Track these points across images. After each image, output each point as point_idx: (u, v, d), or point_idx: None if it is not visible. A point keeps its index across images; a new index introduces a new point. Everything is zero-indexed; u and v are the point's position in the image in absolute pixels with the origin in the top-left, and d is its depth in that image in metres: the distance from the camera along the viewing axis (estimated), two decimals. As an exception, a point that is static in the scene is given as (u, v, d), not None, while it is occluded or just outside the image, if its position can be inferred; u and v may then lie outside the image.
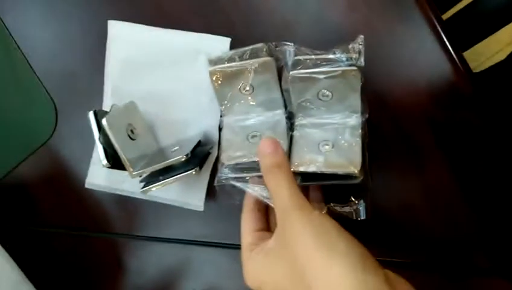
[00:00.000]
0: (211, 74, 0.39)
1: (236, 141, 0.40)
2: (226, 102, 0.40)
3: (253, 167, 0.37)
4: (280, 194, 0.31)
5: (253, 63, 0.37)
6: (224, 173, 0.38)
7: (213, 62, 0.40)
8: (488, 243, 0.42)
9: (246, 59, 0.38)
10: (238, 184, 0.36)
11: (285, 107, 0.40)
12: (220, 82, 0.39)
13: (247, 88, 0.39)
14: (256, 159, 0.36)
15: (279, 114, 0.40)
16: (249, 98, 0.39)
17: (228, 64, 0.38)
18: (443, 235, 0.42)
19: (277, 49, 0.37)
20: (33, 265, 0.48)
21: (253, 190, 0.35)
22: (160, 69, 0.45)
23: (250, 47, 0.37)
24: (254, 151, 0.37)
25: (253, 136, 0.39)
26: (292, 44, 0.38)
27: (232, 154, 0.39)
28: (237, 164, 0.38)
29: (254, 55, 0.37)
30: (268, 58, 0.37)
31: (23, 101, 0.49)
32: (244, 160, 0.38)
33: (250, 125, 0.40)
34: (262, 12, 0.43)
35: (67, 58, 0.48)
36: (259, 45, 0.37)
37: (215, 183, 0.39)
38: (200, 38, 0.44)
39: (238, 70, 0.38)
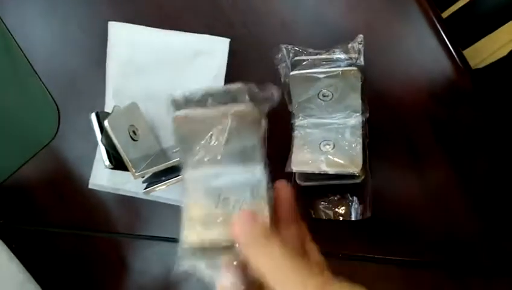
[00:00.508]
0: (175, 120, 0.30)
1: (204, 208, 0.29)
2: (191, 153, 0.30)
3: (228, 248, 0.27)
4: (278, 271, 0.24)
5: (229, 109, 0.28)
6: (187, 260, 0.27)
7: (178, 104, 0.30)
8: (488, 240, 0.42)
9: (220, 103, 0.29)
10: (208, 273, 0.27)
11: (265, 161, 0.30)
12: (185, 130, 0.30)
13: (220, 138, 0.29)
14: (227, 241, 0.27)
15: (259, 171, 0.29)
16: (221, 149, 0.30)
17: (197, 111, 0.29)
18: (443, 233, 0.43)
19: (262, 94, 0.29)
20: (37, 265, 0.49)
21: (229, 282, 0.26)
22: (160, 69, 0.45)
23: (226, 87, 0.28)
24: (225, 228, 0.27)
25: (224, 201, 0.29)
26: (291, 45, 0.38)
27: (200, 230, 0.28)
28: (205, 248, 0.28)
29: (232, 98, 0.29)
30: (248, 105, 0.28)
31: (25, 103, 0.49)
32: (215, 238, 0.27)
33: (220, 186, 0.29)
34: (262, 13, 0.44)
35: (69, 60, 0.48)
36: (239, 85, 0.28)
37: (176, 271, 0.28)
38: (200, 39, 0.44)
39: (210, 118, 0.29)
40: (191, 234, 0.28)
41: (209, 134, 0.29)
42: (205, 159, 0.30)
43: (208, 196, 0.29)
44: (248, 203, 0.28)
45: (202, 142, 0.29)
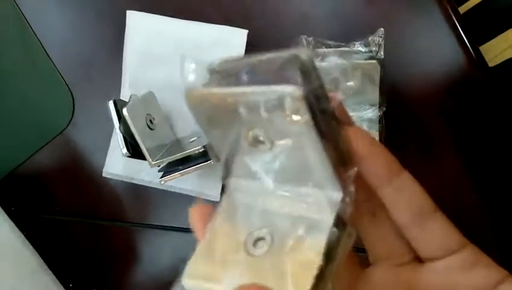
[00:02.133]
0: (188, 97, 0.19)
1: (226, 246, 0.19)
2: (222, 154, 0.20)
3: None
4: None
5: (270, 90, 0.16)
6: None
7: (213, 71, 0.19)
8: (501, 235, 0.42)
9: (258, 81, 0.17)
10: None
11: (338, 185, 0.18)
12: (205, 116, 0.20)
13: (261, 138, 0.18)
14: None
15: (324, 202, 0.18)
16: (264, 157, 0.18)
17: (221, 89, 0.18)
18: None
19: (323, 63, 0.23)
20: (49, 252, 0.49)
21: None
22: (177, 60, 0.44)
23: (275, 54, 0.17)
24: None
25: (257, 242, 0.18)
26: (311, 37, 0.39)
27: (206, 272, 0.18)
28: None
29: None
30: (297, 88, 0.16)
31: (41, 90, 0.49)
32: None
33: (261, 212, 0.19)
34: (281, 5, 0.44)
35: (85, 48, 0.48)
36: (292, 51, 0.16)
37: None
38: (217, 30, 0.44)
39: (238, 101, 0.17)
40: (193, 272, 0.19)
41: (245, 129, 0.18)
42: (238, 166, 0.19)
43: (239, 227, 0.19)
44: (294, 248, 0.17)
45: (233, 138, 0.19)
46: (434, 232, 0.20)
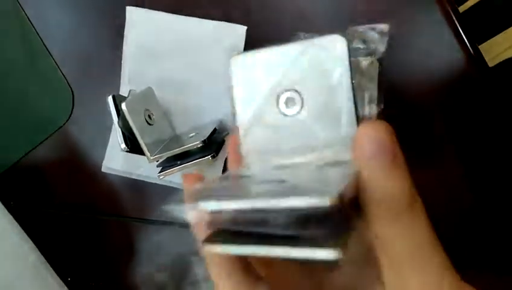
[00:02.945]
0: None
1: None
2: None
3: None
4: (419, 248, 0.18)
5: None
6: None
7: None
8: (498, 235, 0.42)
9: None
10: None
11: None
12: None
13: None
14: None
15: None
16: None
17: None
18: (453, 228, 0.43)
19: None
20: (48, 247, 0.49)
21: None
22: (177, 56, 0.45)
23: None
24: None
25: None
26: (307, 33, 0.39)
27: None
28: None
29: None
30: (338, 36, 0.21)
31: (40, 85, 0.49)
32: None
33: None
34: (280, 1, 0.44)
35: (85, 43, 0.48)
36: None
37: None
38: (216, 26, 0.44)
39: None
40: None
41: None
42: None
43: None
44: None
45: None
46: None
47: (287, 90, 0.21)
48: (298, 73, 0.20)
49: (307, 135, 0.20)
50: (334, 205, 0.15)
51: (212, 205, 0.17)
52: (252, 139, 0.22)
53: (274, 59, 0.21)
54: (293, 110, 0.21)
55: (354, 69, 0.25)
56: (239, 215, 0.17)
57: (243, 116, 0.22)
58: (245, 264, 0.20)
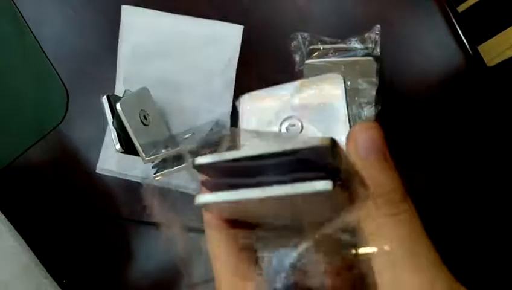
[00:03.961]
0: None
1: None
2: None
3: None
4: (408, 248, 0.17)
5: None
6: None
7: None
8: (498, 236, 0.42)
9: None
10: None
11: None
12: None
13: None
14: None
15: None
16: None
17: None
18: (451, 229, 0.43)
19: None
20: (43, 248, 0.49)
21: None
22: (173, 55, 0.44)
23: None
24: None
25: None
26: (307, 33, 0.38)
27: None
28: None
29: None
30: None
31: (35, 85, 0.49)
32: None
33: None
34: (277, 0, 0.43)
35: (80, 43, 0.47)
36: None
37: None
38: (213, 25, 0.44)
39: None
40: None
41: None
42: None
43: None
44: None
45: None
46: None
47: (288, 118, 0.23)
48: (299, 103, 0.23)
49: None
50: (330, 145, 0.15)
51: (207, 159, 0.17)
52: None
53: (278, 93, 0.24)
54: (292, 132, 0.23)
55: (351, 97, 0.27)
56: (234, 165, 0.17)
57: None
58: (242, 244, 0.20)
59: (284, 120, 0.23)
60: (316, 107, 0.23)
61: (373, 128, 0.18)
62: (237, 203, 0.17)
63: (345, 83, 0.23)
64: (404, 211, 0.18)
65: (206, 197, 0.17)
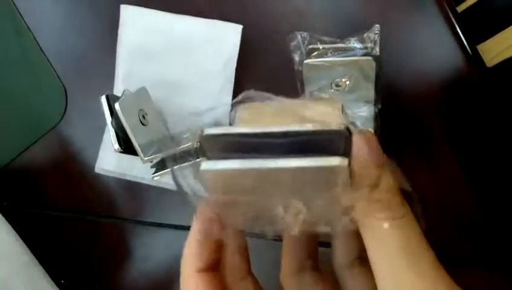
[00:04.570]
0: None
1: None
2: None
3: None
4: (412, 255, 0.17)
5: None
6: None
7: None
8: (496, 236, 0.42)
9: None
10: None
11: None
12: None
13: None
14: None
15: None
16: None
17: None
18: (452, 229, 0.43)
19: None
20: (41, 248, 0.49)
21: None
22: (172, 55, 0.44)
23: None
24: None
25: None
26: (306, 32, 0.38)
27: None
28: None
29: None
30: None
31: (33, 85, 0.49)
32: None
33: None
34: (276, 0, 0.43)
35: (78, 42, 0.47)
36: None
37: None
38: (212, 24, 0.43)
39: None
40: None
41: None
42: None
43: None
44: None
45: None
46: (367, 276, 0.20)
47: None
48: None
49: None
50: (345, 130, 0.15)
51: (217, 130, 0.16)
52: None
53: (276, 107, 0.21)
54: None
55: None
56: (243, 141, 0.16)
57: None
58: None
59: None
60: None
61: (369, 136, 0.18)
62: (244, 175, 0.16)
63: (343, 111, 0.21)
64: (403, 215, 0.18)
65: (217, 165, 0.16)
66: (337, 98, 0.26)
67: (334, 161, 0.15)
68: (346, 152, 0.16)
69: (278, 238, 0.22)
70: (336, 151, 0.16)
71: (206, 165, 0.17)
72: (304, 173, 0.16)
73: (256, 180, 0.17)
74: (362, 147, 0.17)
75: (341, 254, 0.23)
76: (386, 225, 0.17)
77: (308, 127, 0.16)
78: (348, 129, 0.16)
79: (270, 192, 0.17)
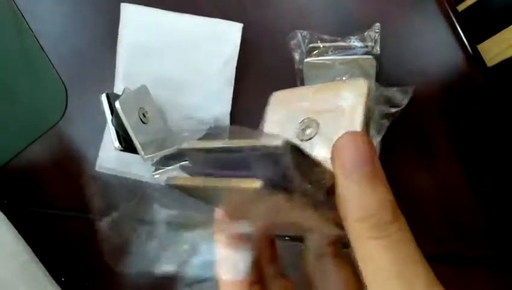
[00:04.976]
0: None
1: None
2: None
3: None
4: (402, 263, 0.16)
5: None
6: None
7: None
8: (495, 235, 0.42)
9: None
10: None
11: None
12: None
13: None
14: None
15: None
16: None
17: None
18: (453, 229, 0.43)
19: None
20: (41, 246, 0.49)
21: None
22: (172, 53, 0.44)
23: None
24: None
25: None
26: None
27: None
28: None
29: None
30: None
31: (33, 83, 0.49)
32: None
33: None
34: (277, -2, 0.43)
35: (79, 41, 0.47)
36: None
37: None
38: (212, 23, 0.43)
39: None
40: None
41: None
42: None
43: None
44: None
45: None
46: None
47: (307, 119, 0.24)
48: (320, 105, 0.24)
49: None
50: (282, 146, 0.15)
51: (186, 144, 0.17)
52: None
53: (304, 93, 0.26)
54: (308, 134, 0.24)
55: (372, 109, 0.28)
56: (207, 155, 0.17)
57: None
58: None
59: (303, 120, 0.25)
60: (335, 110, 0.24)
61: (359, 139, 0.16)
62: (195, 189, 0.17)
63: (368, 89, 0.24)
64: (393, 232, 0.16)
65: (173, 178, 0.18)
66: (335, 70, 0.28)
67: (254, 183, 0.15)
68: (287, 168, 0.16)
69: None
70: (276, 167, 0.15)
71: (171, 175, 0.19)
72: (229, 191, 0.16)
73: (210, 195, 0.18)
74: (342, 155, 0.16)
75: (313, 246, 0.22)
76: (374, 246, 0.16)
77: (249, 143, 0.15)
78: (289, 144, 0.15)
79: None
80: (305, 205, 0.16)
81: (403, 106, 0.35)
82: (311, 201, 0.17)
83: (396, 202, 0.17)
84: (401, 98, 0.35)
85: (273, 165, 0.15)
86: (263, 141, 0.15)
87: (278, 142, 0.15)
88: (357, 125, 0.23)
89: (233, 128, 0.25)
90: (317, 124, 0.24)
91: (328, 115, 0.24)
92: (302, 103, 0.26)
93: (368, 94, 0.24)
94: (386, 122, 0.35)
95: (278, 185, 0.15)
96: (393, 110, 0.34)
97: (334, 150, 0.17)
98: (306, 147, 0.23)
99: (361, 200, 0.16)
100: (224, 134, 0.28)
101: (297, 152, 0.15)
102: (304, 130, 0.25)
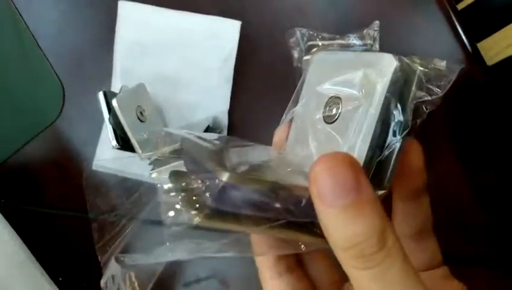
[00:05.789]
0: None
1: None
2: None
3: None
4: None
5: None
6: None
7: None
8: (494, 233, 0.42)
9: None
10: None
11: None
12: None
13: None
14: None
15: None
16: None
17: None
18: (450, 227, 0.42)
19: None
20: (39, 245, 0.48)
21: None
22: (170, 51, 0.44)
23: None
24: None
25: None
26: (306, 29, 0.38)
27: None
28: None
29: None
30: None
31: (30, 81, 0.49)
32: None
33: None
34: (276, -4, 0.43)
35: (76, 38, 0.47)
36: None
37: None
38: (210, 21, 0.43)
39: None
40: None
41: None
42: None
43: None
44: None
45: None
46: (428, 249, 0.23)
47: (334, 96, 0.22)
48: (347, 84, 0.21)
49: (334, 145, 0.20)
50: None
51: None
52: (292, 131, 0.24)
53: (342, 61, 0.24)
54: (332, 115, 0.21)
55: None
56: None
57: (298, 108, 0.24)
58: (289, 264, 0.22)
59: (331, 98, 0.22)
60: (349, 97, 0.20)
61: (339, 165, 0.15)
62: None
63: (396, 68, 0.19)
64: (380, 261, 0.15)
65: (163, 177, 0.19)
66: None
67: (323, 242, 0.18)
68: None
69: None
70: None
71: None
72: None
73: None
74: (319, 184, 0.15)
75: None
76: (361, 276, 0.15)
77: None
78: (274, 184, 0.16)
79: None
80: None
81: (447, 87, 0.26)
82: None
83: (386, 223, 0.15)
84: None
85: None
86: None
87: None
88: (372, 117, 0.19)
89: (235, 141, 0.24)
90: (340, 109, 0.21)
91: (345, 101, 0.21)
92: (335, 73, 0.23)
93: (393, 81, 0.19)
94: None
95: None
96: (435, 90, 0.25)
97: (311, 177, 0.15)
98: (327, 133, 0.22)
99: (343, 231, 0.15)
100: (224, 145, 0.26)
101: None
102: (328, 109, 0.22)
